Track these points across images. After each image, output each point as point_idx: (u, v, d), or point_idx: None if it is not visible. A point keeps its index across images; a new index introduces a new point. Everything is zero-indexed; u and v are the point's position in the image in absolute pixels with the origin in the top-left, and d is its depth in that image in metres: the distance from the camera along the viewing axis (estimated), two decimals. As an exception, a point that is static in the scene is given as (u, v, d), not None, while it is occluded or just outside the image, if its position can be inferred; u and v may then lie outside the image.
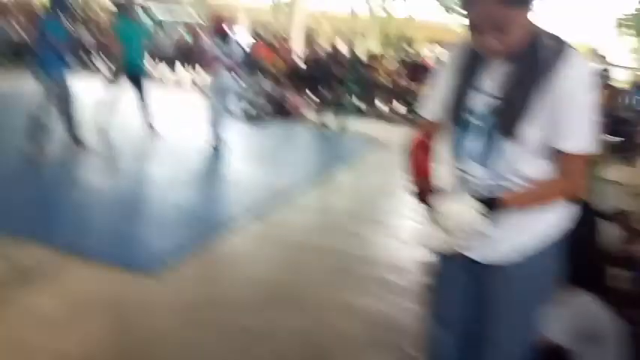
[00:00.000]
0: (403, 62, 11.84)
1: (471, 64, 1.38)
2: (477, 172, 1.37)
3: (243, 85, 8.69)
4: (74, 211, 3.66)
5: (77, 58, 7.54)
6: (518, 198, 1.34)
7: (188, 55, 12.01)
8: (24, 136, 4.53)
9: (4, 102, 7.50)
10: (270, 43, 12.22)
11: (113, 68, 5.76)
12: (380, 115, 10.79)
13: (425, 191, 1.40)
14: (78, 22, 10.98)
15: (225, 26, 6.51)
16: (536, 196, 1.35)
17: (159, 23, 12.98)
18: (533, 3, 1.25)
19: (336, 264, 3.31)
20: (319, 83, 10.67)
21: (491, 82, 1.34)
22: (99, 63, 11.79)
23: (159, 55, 11.77)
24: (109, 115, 6.06)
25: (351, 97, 9.07)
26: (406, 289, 3.01)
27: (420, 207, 1.44)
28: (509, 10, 1.21)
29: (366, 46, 22.26)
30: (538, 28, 1.29)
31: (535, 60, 1.26)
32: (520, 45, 1.27)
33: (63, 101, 4.65)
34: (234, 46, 6.25)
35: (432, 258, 1.61)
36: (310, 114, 9.20)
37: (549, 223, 1.38)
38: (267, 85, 8.93)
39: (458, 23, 22.90)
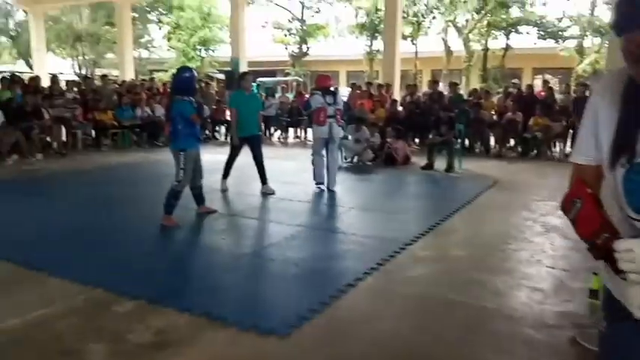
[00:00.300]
0: (509, 95, 11.33)
1: (635, 96, 1.17)
2: None
3: (349, 135, 8.85)
4: (203, 274, 3.81)
5: (202, 130, 8.16)
6: None
7: (294, 113, 12.55)
8: (163, 204, 4.88)
9: (138, 172, 8.29)
10: (368, 91, 12.40)
11: (230, 135, 6.15)
12: (491, 153, 10.35)
13: (602, 246, 1.18)
14: (199, 97, 12.07)
15: (326, 81, 6.84)
16: None
17: (267, 90, 13.81)
18: None
19: (467, 319, 3.07)
20: (421, 126, 10.55)
21: None
22: (217, 132, 12.82)
23: (270, 119, 12.47)
24: (228, 178, 6.48)
25: (458, 136, 8.79)
26: (554, 349, 2.69)
27: (600, 264, 1.23)
28: None
29: (468, 83, 21.84)
30: None
31: None
32: None
33: (193, 170, 4.98)
34: (337, 99, 6.53)
35: (603, 319, 1.38)
36: (416, 158, 9.06)
37: None
38: (370, 133, 8.97)
39: (564, 49, 21.79)
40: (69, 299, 3.20)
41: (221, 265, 3.95)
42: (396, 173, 8.28)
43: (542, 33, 24.42)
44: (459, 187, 7.34)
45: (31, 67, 22.36)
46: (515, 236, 4.74)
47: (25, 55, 26.67)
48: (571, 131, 10.06)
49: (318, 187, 6.62)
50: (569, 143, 9.97)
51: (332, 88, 6.72)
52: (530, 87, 11.48)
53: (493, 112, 10.91)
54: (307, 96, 7.14)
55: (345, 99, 12.69)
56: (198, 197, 5.26)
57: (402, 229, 4.89)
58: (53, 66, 22.31)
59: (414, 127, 10.79)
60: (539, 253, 4.26)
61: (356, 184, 7.69)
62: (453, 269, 3.89)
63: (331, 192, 6.51)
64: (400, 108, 11.36)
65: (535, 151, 10.09)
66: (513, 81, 14.05)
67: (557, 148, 10.48)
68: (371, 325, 2.99)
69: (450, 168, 8.13)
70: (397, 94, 12.93)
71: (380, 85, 12.83)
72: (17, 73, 12.52)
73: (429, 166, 8.28)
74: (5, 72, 12.34)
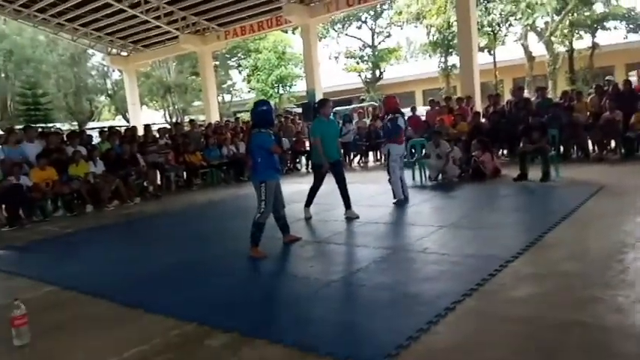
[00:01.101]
0: (604, 93, 10.43)
1: None
2: None
3: (430, 153, 8.57)
4: (293, 303, 3.72)
5: (282, 161, 8.34)
6: None
7: (372, 137, 12.46)
8: (249, 236, 4.92)
9: (226, 208, 8.56)
10: (447, 106, 12.02)
11: (321, 161, 6.22)
12: (591, 157, 9.53)
13: None
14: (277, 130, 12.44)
15: (397, 103, 7.26)
16: None
17: (344, 117, 13.92)
18: None
19: (587, 342, 2.69)
20: (509, 136, 9.98)
21: None
22: (298, 163, 13.08)
23: (349, 145, 12.47)
24: (311, 206, 6.47)
25: (552, 142, 8.18)
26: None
27: None
28: None
29: (555, 88, 20.59)
30: None
31: None
32: None
33: (275, 201, 5.01)
34: (394, 122, 6.98)
35: None
36: (507, 170, 8.54)
37: None
38: (452, 148, 8.61)
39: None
40: (164, 335, 3.24)
41: (311, 293, 3.84)
42: (486, 187, 7.83)
43: (632, 26, 22.57)
44: (559, 196, 6.77)
45: (127, 121, 24.37)
46: (632, 244, 4.20)
47: (122, 110, 29.17)
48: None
49: (399, 202, 6.91)
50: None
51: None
52: (629, 82, 10.51)
53: (588, 114, 10.09)
54: (385, 119, 7.25)
55: (423, 118, 12.46)
56: (283, 227, 5.26)
57: (500, 246, 4.52)
58: (147, 117, 24.14)
59: (500, 138, 10.24)
60: (660, 262, 3.73)
61: (444, 201, 7.35)
62: (564, 286, 3.49)
63: (407, 199, 7.04)
64: (483, 120, 10.86)
65: (641, 151, 9.15)
66: (607, 78, 12.96)
67: (668, 145, 9.44)
68: (475, 353, 2.71)
69: (546, 177, 7.53)
70: (479, 106, 12.42)
71: (459, 98, 12.40)
72: (115, 127, 13.59)
73: (523, 177, 7.74)
74: (105, 127, 13.44)
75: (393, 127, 6.97)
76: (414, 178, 8.83)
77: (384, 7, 27.72)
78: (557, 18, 21.18)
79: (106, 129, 11.86)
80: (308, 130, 13.23)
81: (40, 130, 12.03)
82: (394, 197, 6.98)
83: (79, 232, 7.27)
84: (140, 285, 4.38)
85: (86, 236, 7.00)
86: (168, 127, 14.96)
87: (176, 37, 18.52)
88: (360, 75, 30.25)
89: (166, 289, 4.21)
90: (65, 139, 10.31)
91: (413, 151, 10.38)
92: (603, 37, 22.79)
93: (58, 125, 24.44)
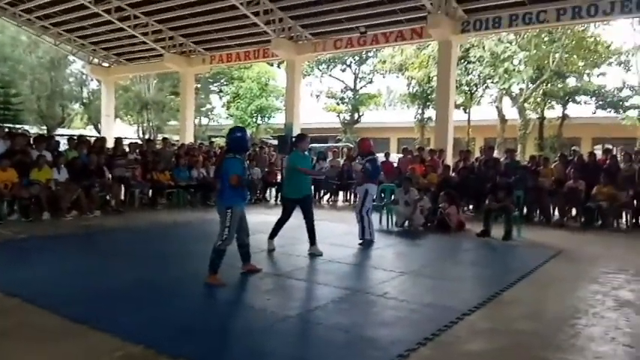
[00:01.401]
0: (569, 163, 10.87)
1: None
2: None
3: (399, 199, 8.67)
4: (246, 335, 3.62)
5: (251, 191, 8.26)
6: None
7: (344, 177, 12.56)
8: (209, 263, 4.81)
9: (189, 231, 8.38)
10: (420, 156, 12.28)
11: (280, 196, 6.23)
12: (552, 222, 9.82)
13: None
14: (250, 159, 12.41)
15: (368, 145, 7.44)
16: None
17: (319, 154, 14.02)
18: None
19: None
20: (476, 192, 10.22)
21: None
22: (267, 193, 13.01)
23: (320, 182, 12.49)
24: (275, 239, 6.41)
25: (517, 203, 8.40)
26: None
27: None
28: None
29: (523, 152, 21.34)
30: None
31: None
32: None
33: (240, 230, 4.94)
34: (374, 163, 7.14)
35: None
36: (471, 225, 8.70)
37: None
38: (421, 197, 8.75)
39: (627, 118, 21.06)
40: (109, 355, 3.09)
41: (266, 326, 3.75)
42: (450, 239, 7.93)
43: (600, 103, 23.81)
44: (519, 256, 6.91)
45: (99, 132, 23.92)
46: (584, 310, 4.30)
47: (94, 120, 28.65)
48: (636, 202, 9.49)
49: (365, 242, 6.95)
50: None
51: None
52: (593, 154, 11.00)
53: (552, 180, 10.45)
54: (361, 160, 7.30)
55: (395, 164, 12.67)
56: (245, 255, 5.17)
57: (458, 298, 4.55)
58: (119, 131, 23.73)
59: (468, 193, 10.47)
60: (612, 329, 3.81)
61: (407, 249, 7.41)
62: (518, 344, 3.52)
63: (372, 241, 7.07)
64: (453, 174, 11.12)
65: (600, 222, 9.48)
66: (574, 148, 13.55)
67: (624, 219, 9.83)
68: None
69: (508, 236, 7.71)
70: (450, 160, 12.72)
71: (432, 150, 12.70)
72: (85, 136, 13.31)
73: (486, 233, 7.89)
74: (74, 135, 13.15)
75: (373, 168, 7.07)
76: (380, 222, 8.89)
77: (370, 54, 28.49)
78: (531, 86, 22.18)
79: (75, 137, 11.60)
80: (282, 163, 13.28)
81: (6, 130, 11.68)
82: (361, 237, 6.99)
83: (32, 238, 6.98)
84: (91, 300, 4.21)
85: (40, 244, 6.72)
86: (140, 142, 14.75)
87: (161, 54, 18.51)
88: (338, 115, 30.72)
89: (118, 307, 4.05)
90: (31, 142, 10.02)
91: (382, 195, 10.49)
92: (573, 110, 23.90)
93: (26, 127, 23.78)
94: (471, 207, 10.92)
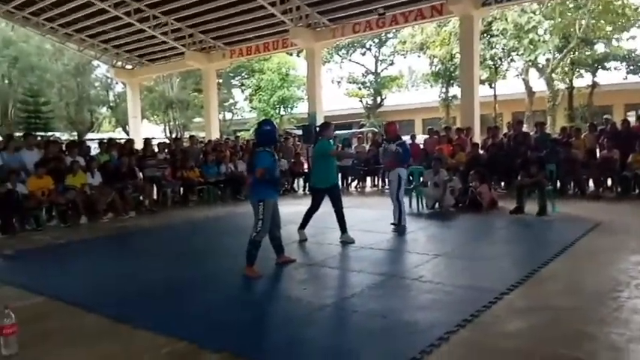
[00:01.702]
0: (601, 132, 10.55)
1: None
2: None
3: (428, 181, 8.59)
4: (285, 326, 3.67)
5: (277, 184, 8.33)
6: None
7: (370, 162, 12.51)
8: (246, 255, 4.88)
9: (222, 226, 8.52)
10: (447, 136, 12.11)
11: (308, 186, 6.24)
12: (587, 194, 9.57)
13: None
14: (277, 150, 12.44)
15: (395, 129, 7.32)
16: None
17: (343, 141, 14.00)
18: None
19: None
20: (507, 169, 10.04)
21: None
22: (294, 183, 13.08)
23: (347, 169, 12.48)
24: (306, 228, 6.45)
25: (549, 177, 8.22)
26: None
27: None
28: None
29: (553, 124, 20.81)
30: None
31: None
32: None
33: (271, 223, 5.00)
34: (404, 146, 7.04)
35: None
36: (503, 203, 8.56)
37: None
38: (450, 178, 8.65)
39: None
40: (154, 352, 3.19)
41: (303, 316, 3.80)
42: (483, 218, 7.83)
43: (631, 67, 22.97)
44: (555, 231, 6.78)
45: (127, 134, 24.41)
46: (626, 283, 4.20)
47: (122, 122, 29.24)
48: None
49: (400, 228, 6.82)
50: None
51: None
52: (627, 122, 10.63)
53: (586, 150, 10.17)
54: (390, 145, 7.10)
55: (421, 146, 12.53)
56: (278, 248, 5.23)
57: (495, 278, 4.50)
58: (147, 131, 24.18)
59: (498, 171, 10.29)
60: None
61: (440, 230, 7.35)
62: (559, 321, 3.46)
63: (404, 226, 6.91)
64: (482, 151, 10.93)
65: (637, 191, 9.20)
66: (605, 116, 13.11)
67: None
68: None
69: (542, 211, 7.56)
70: (478, 138, 12.51)
71: (459, 129, 12.50)
72: (115, 139, 13.60)
73: (519, 210, 7.75)
74: (104, 139, 13.44)
75: (404, 151, 7.00)
76: (410, 206, 8.83)
77: (389, 35, 28.13)
78: (558, 56, 21.53)
79: (105, 141, 11.86)
80: (307, 152, 13.30)
81: (39, 138, 12.03)
82: (397, 222, 6.85)
83: (71, 243, 7.20)
84: (130, 299, 4.33)
85: (78, 248, 6.93)
86: (168, 141, 15.00)
87: (182, 53, 18.71)
88: (361, 100, 30.52)
89: (158, 304, 4.15)
90: (64, 148, 10.30)
91: (411, 178, 10.41)
92: (603, 77, 23.14)
93: (57, 134, 24.44)
94: (502, 184, 10.74)
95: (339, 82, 31.12)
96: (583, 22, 20.04)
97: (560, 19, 19.95)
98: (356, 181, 13.25)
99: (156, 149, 11.82)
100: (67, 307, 4.17)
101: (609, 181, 9.82)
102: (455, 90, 23.92)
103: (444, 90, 25.86)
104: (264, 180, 4.82)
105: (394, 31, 25.06)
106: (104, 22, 17.41)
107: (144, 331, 3.52)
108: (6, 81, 27.21)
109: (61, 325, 3.78)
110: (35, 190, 8.42)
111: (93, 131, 31.22)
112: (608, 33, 21.18)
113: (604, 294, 3.94)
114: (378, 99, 30.54)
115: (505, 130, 13.34)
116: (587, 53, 22.06)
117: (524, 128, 12.19)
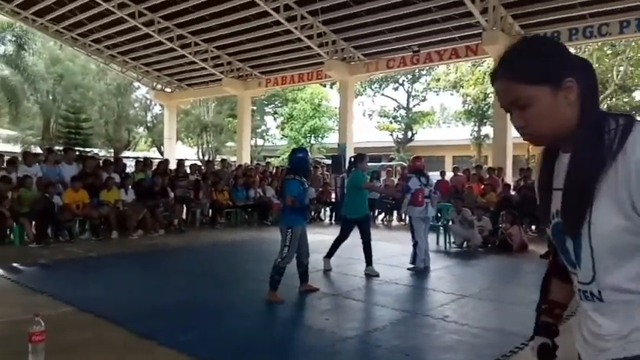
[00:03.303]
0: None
1: (550, 160, 1.18)
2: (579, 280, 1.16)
3: (453, 219, 8.51)
4: (306, 356, 3.67)
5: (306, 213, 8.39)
6: None
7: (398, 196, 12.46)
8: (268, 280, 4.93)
9: (248, 249, 8.58)
10: (478, 175, 12.02)
11: (335, 216, 6.24)
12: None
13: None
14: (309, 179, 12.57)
15: (421, 164, 7.12)
16: None
17: (372, 174, 14.03)
18: (569, 78, 1.07)
19: None
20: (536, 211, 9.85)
21: (562, 175, 1.11)
22: (321, 212, 13.11)
23: (375, 202, 12.45)
24: (332, 257, 6.45)
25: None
26: None
27: None
28: (525, 87, 1.08)
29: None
30: (595, 108, 1.11)
31: (594, 142, 1.05)
32: (562, 127, 1.09)
33: (299, 250, 5.04)
34: (429, 180, 6.94)
35: None
36: (534, 246, 8.38)
37: None
38: (478, 217, 8.54)
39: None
40: (175, 370, 3.22)
41: (325, 346, 3.78)
42: (512, 261, 7.68)
43: (671, 115, 22.48)
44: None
45: (162, 154, 25.02)
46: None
47: (157, 143, 29.99)
48: None
49: (417, 268, 6.63)
50: None
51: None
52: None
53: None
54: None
55: (450, 183, 12.44)
56: (303, 275, 5.25)
57: (522, 323, 4.37)
58: (181, 153, 24.72)
59: (529, 213, 10.10)
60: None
61: (467, 270, 7.22)
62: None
63: (428, 266, 6.68)
64: (513, 192, 10.78)
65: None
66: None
67: None
68: None
69: (573, 257, 7.35)
70: (509, 178, 12.37)
71: (490, 168, 12.40)
72: (150, 158, 13.98)
73: (550, 255, 7.56)
74: (140, 158, 13.84)
75: (404, 187, 6.98)
76: (437, 243, 8.74)
77: (422, 72, 28.36)
78: (595, 100, 21.30)
79: (142, 159, 12.20)
80: (335, 182, 13.36)
81: (78, 153, 12.46)
82: (412, 261, 6.66)
83: (101, 256, 7.37)
84: (156, 316, 4.39)
85: (108, 261, 7.09)
86: (200, 163, 15.31)
87: (219, 79, 19.24)
88: (392, 134, 30.61)
89: (182, 324, 4.20)
90: (101, 164, 10.64)
91: (439, 215, 10.32)
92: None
93: (95, 150, 25.22)
94: (533, 227, 10.52)
95: (370, 115, 31.39)
96: (621, 68, 19.84)
97: (597, 65, 19.78)
98: (383, 214, 13.20)
99: (188, 170, 12.08)
100: (95, 318, 4.26)
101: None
102: (487, 129, 23.80)
103: (475, 128, 25.75)
104: (293, 207, 4.89)
105: (428, 68, 25.27)
106: (147, 46, 18.11)
107: (168, 349, 3.56)
108: (50, 97, 28.36)
109: (88, 336, 3.86)
110: (71, 202, 8.69)
111: (129, 149, 32.08)
112: (647, 81, 20.89)
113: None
114: (409, 134, 30.58)
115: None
116: (625, 100, 21.74)
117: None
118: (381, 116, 31.10)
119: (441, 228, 8.95)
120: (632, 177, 1.00)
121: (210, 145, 30.79)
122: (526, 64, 1.11)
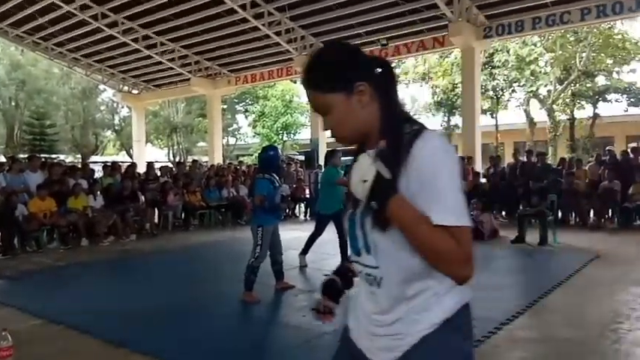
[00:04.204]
0: (602, 163, 10.60)
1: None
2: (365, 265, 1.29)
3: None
4: (283, 354, 3.67)
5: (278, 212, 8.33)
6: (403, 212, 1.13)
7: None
8: (243, 279, 4.88)
9: (222, 250, 8.51)
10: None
11: (310, 212, 6.22)
12: (588, 225, 9.56)
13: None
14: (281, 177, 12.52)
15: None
16: (423, 231, 1.14)
17: (346, 168, 14.03)
18: (361, 82, 1.16)
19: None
20: (508, 199, 10.07)
21: None
22: (296, 209, 13.09)
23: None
24: (307, 254, 6.45)
25: (551, 207, 8.23)
26: None
27: None
28: (322, 95, 1.19)
29: (555, 154, 20.91)
30: (393, 107, 1.21)
31: (393, 144, 1.15)
32: (363, 128, 1.21)
33: (273, 248, 5.01)
34: None
35: None
36: (505, 232, 8.55)
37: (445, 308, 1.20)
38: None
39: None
40: (149, 376, 3.17)
41: (301, 344, 3.78)
42: (484, 248, 7.80)
43: (632, 100, 23.20)
44: (556, 261, 6.75)
45: (131, 157, 24.58)
46: (626, 315, 4.18)
47: (126, 146, 29.48)
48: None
49: None
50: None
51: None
52: (627, 153, 10.69)
53: (586, 182, 10.21)
54: None
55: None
56: (278, 273, 5.23)
57: (496, 307, 4.47)
58: (151, 155, 24.34)
59: (499, 200, 10.31)
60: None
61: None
62: (559, 352, 3.44)
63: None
64: (483, 180, 10.97)
65: (638, 222, 9.19)
66: (608, 148, 13.19)
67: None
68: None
69: (543, 241, 7.55)
70: (479, 167, 12.57)
71: (460, 157, 12.56)
72: (119, 162, 13.71)
73: (520, 240, 7.75)
74: (108, 162, 13.55)
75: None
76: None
77: (392, 65, 28.53)
78: (559, 87, 21.78)
79: (109, 164, 11.95)
80: (309, 178, 13.35)
81: (43, 160, 12.13)
82: None
83: (71, 265, 7.20)
84: (130, 323, 4.31)
85: (78, 270, 6.92)
86: (170, 165, 15.09)
87: (188, 79, 18.97)
88: (363, 128, 30.79)
89: (157, 329, 4.14)
90: (68, 170, 10.37)
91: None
92: (604, 109, 23.35)
93: (61, 157, 24.63)
94: (503, 213, 10.74)
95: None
96: (584, 54, 20.33)
97: (561, 52, 20.26)
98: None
99: (158, 173, 11.88)
100: (66, 330, 4.16)
101: (610, 212, 9.81)
102: (457, 119, 24.14)
103: (445, 119, 26.08)
104: (262, 207, 4.86)
105: (396, 61, 25.43)
106: (112, 48, 17.72)
107: (140, 356, 3.50)
108: (13, 103, 27.55)
109: (59, 348, 3.77)
110: (37, 211, 8.45)
111: (97, 154, 31.45)
112: (609, 66, 21.45)
113: (604, 326, 3.92)
114: (381, 127, 30.81)
115: (511, 160, 13.41)
116: (588, 85, 22.30)
117: (524, 158, 12.26)
118: (352, 110, 31.22)
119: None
120: (412, 180, 1.11)
121: (181, 146, 30.42)
122: (319, 75, 1.20)
